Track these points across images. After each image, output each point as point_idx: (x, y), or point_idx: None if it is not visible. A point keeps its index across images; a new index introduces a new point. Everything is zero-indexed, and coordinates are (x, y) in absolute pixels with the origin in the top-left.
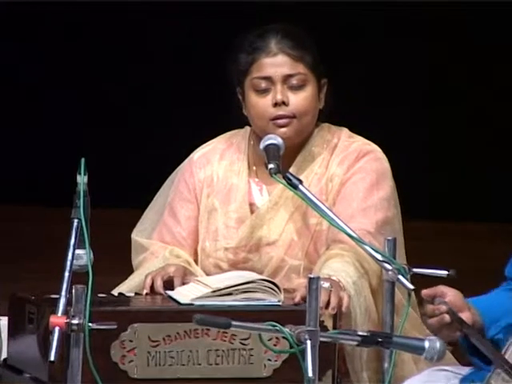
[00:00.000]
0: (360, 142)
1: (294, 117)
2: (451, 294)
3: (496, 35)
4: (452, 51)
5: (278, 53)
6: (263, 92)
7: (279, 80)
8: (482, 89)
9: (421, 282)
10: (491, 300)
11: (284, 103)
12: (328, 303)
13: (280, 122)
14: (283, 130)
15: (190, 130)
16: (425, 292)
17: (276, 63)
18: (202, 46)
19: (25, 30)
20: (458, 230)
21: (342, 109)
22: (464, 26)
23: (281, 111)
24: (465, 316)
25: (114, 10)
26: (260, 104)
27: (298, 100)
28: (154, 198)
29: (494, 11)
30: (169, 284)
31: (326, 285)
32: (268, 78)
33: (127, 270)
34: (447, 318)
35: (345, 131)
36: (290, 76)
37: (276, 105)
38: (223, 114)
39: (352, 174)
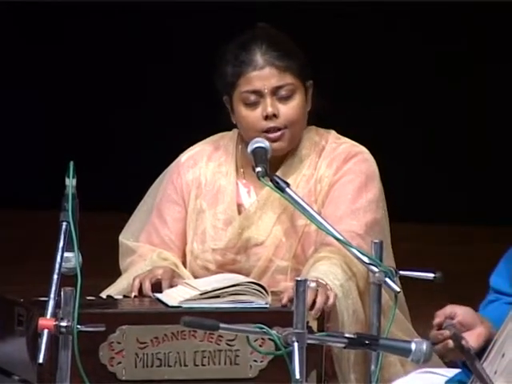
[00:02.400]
0: (348, 144)
1: (285, 127)
2: (461, 313)
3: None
4: (445, 49)
5: (265, 65)
6: (253, 105)
7: (268, 93)
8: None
9: (409, 284)
10: (498, 314)
11: (275, 115)
12: (314, 303)
13: (272, 136)
14: (276, 144)
15: (177, 132)
16: (436, 321)
17: (263, 76)
18: (188, 44)
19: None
20: (446, 233)
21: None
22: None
23: (272, 123)
24: (478, 331)
25: (88, 9)
26: (250, 117)
27: (289, 110)
28: (142, 201)
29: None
30: (157, 286)
31: (313, 284)
32: (257, 92)
33: (115, 273)
34: (451, 343)
35: (332, 133)
36: (278, 88)
37: (267, 117)
38: (211, 116)
39: (341, 175)
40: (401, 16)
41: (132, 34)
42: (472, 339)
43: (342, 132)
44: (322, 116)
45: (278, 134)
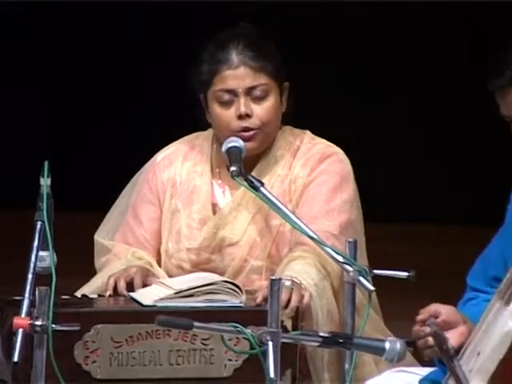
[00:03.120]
0: (323, 145)
1: (258, 128)
2: (445, 312)
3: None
4: (445, 49)
5: (240, 65)
6: (227, 104)
7: (242, 92)
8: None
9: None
10: (477, 311)
11: (248, 115)
12: (289, 302)
13: (245, 134)
14: (249, 144)
15: (152, 131)
16: (419, 318)
17: (238, 76)
18: (166, 46)
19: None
20: (420, 232)
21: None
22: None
23: (245, 123)
24: (461, 330)
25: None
26: (224, 116)
27: (262, 111)
28: (117, 200)
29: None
30: (131, 286)
31: (288, 283)
32: (231, 91)
33: (90, 272)
34: (431, 341)
35: (307, 134)
36: (252, 88)
37: (240, 117)
38: (185, 116)
39: (315, 175)
40: (401, 16)
41: (132, 34)
42: (454, 338)
43: (343, 132)
44: (322, 115)
45: (251, 133)
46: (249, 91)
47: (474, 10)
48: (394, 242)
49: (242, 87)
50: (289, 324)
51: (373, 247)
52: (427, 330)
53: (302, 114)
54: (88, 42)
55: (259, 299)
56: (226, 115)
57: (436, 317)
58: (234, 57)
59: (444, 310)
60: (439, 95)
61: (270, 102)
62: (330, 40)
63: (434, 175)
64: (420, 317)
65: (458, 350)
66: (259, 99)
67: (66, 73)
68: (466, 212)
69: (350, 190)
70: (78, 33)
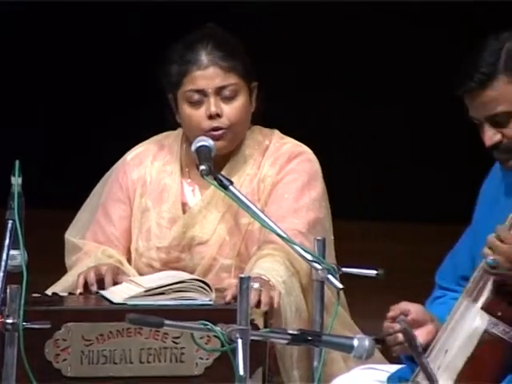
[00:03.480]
0: (291, 144)
1: (228, 127)
2: (414, 311)
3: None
4: (445, 49)
5: (209, 65)
6: (196, 104)
7: (212, 92)
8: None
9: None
10: (445, 310)
11: (218, 115)
12: (259, 303)
13: (215, 134)
14: (219, 143)
15: (123, 131)
16: (390, 315)
17: (208, 76)
18: (132, 45)
19: None
20: (388, 231)
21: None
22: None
23: (215, 123)
24: (429, 328)
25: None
26: (194, 116)
27: (232, 110)
28: (88, 199)
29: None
30: (102, 284)
31: (256, 285)
32: (201, 91)
33: (61, 270)
34: (400, 337)
35: (276, 133)
36: (222, 88)
37: (210, 117)
38: (157, 116)
39: (284, 174)
40: (401, 16)
41: (132, 34)
42: (422, 336)
43: (343, 131)
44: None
45: (220, 132)
46: (218, 91)
47: (474, 10)
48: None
49: (211, 87)
50: (260, 322)
51: (371, 245)
52: (397, 326)
53: (301, 113)
54: (87, 42)
55: (228, 297)
56: (196, 115)
57: (406, 315)
58: (204, 57)
59: (413, 309)
60: (439, 95)
61: (239, 102)
62: (329, 40)
63: (434, 175)
64: (390, 313)
65: (426, 348)
66: (229, 99)
67: (64, 73)
68: (394, 211)
69: (318, 188)
70: (77, 33)
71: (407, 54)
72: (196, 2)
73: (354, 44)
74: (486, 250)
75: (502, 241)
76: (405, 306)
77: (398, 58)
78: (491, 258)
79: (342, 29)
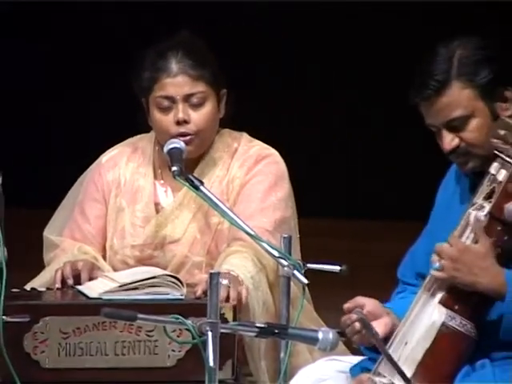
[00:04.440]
0: (259, 147)
1: (195, 133)
2: (369, 304)
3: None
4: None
5: (179, 73)
6: (166, 110)
7: (180, 99)
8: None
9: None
10: (404, 304)
11: (186, 121)
12: (228, 298)
13: (182, 139)
14: (186, 147)
15: (100, 132)
16: (346, 306)
17: (177, 83)
18: (110, 42)
19: None
20: (351, 228)
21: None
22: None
23: (183, 129)
24: (383, 321)
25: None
26: (163, 122)
27: (199, 117)
28: (65, 198)
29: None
30: (78, 279)
31: (225, 282)
32: (170, 98)
33: (40, 266)
34: (357, 325)
35: (244, 136)
36: (190, 95)
37: (178, 123)
38: (132, 117)
39: (252, 176)
40: (401, 16)
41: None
42: (379, 327)
43: (343, 131)
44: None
45: (188, 138)
46: (187, 98)
47: (474, 11)
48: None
49: (180, 94)
50: (229, 316)
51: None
52: (354, 316)
53: (302, 113)
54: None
55: (199, 292)
56: (165, 120)
57: (361, 308)
58: (174, 65)
59: (368, 302)
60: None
61: (206, 109)
62: (329, 40)
63: (432, 175)
64: (346, 305)
65: (385, 340)
66: (197, 106)
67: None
68: (358, 208)
69: (284, 189)
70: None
71: (407, 53)
72: (195, 2)
73: (353, 44)
74: (434, 257)
75: (451, 245)
76: (360, 299)
77: (397, 57)
78: (437, 262)
79: (342, 29)
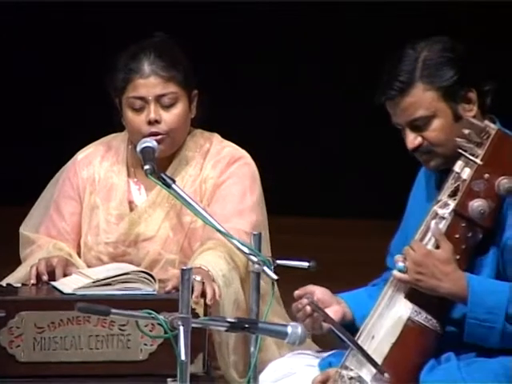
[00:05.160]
0: (231, 148)
1: (166, 133)
2: (319, 292)
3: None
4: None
5: (151, 74)
6: (138, 110)
7: (152, 100)
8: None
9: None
10: (364, 296)
11: (157, 121)
12: (203, 293)
13: (154, 138)
14: (158, 146)
15: (76, 129)
16: (296, 293)
17: (149, 84)
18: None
19: None
20: (319, 226)
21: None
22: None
23: (154, 129)
24: (334, 309)
25: None
26: (135, 121)
27: (170, 117)
28: (41, 195)
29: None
30: (53, 275)
31: (198, 278)
32: (142, 98)
33: (16, 262)
34: (308, 309)
35: (216, 136)
36: (161, 96)
37: (150, 123)
38: (110, 115)
39: (226, 178)
40: (401, 16)
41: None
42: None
43: (343, 131)
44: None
45: (159, 137)
46: (158, 99)
47: (474, 11)
48: None
49: (151, 95)
50: (201, 311)
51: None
52: (305, 301)
53: (302, 112)
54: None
55: (168, 287)
56: (137, 120)
57: (311, 295)
58: (146, 67)
59: (318, 290)
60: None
61: (178, 110)
62: (329, 40)
63: (368, 174)
64: (297, 292)
65: None
66: (168, 106)
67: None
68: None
69: (257, 191)
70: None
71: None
72: (194, 2)
73: (353, 44)
74: (397, 257)
75: (414, 250)
76: (310, 287)
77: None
78: (401, 263)
79: (342, 28)
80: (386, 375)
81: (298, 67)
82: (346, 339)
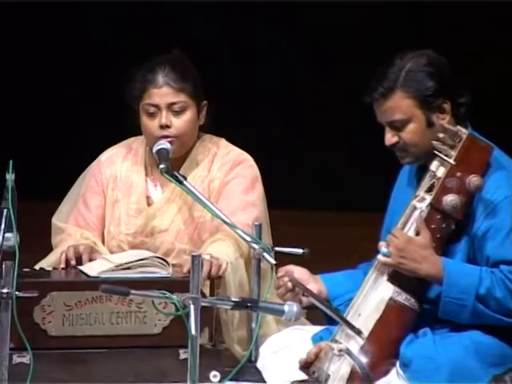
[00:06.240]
0: (236, 152)
1: (175, 137)
2: (298, 270)
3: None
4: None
5: (164, 85)
6: (152, 115)
7: (164, 107)
8: None
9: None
10: (341, 277)
11: (168, 126)
12: (209, 273)
13: (165, 141)
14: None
15: (100, 130)
16: (279, 274)
17: (162, 93)
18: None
19: None
20: (306, 217)
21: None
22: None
23: (165, 132)
24: (310, 286)
25: None
26: (149, 126)
27: (180, 123)
28: (70, 191)
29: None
30: (80, 260)
31: (207, 256)
32: (155, 105)
33: (47, 249)
34: (289, 284)
35: (222, 141)
36: (172, 104)
37: (161, 127)
38: (129, 115)
39: (231, 178)
40: (401, 16)
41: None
42: None
43: (343, 131)
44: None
45: (169, 140)
46: (170, 106)
47: (474, 11)
48: None
49: (164, 102)
50: (207, 291)
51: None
52: (285, 278)
53: (302, 112)
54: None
55: (185, 269)
56: (151, 124)
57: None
58: (160, 78)
59: (297, 270)
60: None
61: (187, 116)
62: (329, 40)
63: (348, 168)
64: (279, 273)
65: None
66: (178, 113)
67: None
68: (314, 199)
69: (259, 189)
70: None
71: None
72: (193, 2)
73: (353, 43)
74: (380, 243)
75: (396, 237)
76: (290, 267)
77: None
78: (385, 249)
79: (342, 28)
80: (363, 335)
81: (298, 67)
82: (324, 308)
